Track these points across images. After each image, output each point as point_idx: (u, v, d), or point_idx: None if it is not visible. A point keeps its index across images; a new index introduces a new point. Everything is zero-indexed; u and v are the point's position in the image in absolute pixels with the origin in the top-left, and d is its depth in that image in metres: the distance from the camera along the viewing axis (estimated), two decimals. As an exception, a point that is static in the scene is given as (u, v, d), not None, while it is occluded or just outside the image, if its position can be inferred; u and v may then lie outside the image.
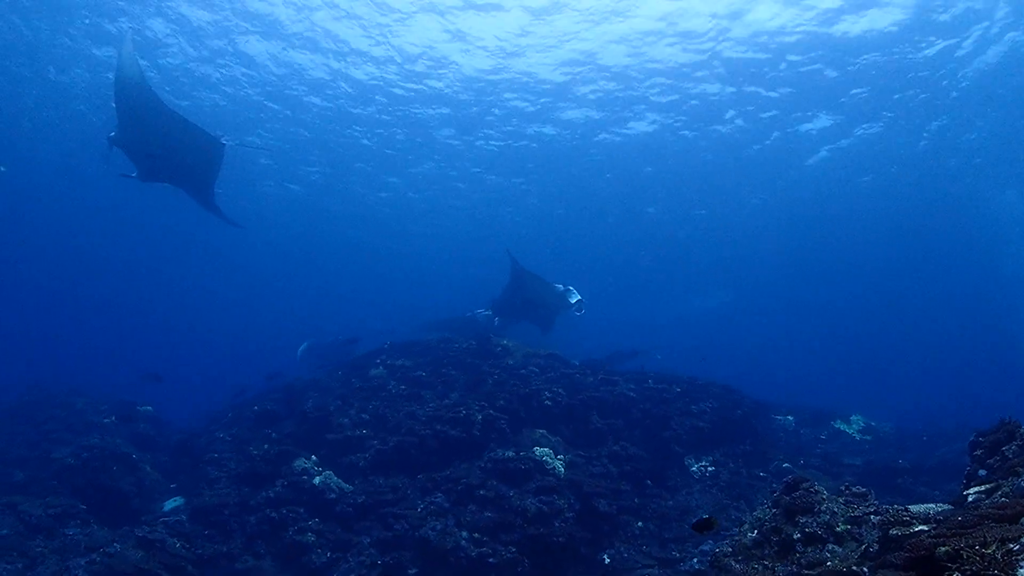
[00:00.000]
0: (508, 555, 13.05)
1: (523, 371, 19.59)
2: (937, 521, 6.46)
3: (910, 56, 26.65)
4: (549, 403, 17.52)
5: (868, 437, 21.23)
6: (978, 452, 8.37)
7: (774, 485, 15.37)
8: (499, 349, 20.95)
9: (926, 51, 26.32)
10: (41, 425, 19.66)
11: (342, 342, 26.04)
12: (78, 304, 79.38)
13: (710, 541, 14.03)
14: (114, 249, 58.54)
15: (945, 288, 62.50)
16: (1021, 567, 4.13)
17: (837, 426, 21.56)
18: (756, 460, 17.52)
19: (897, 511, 6.95)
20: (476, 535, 13.51)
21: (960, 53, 26.39)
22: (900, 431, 22.06)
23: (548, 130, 35.21)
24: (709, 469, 16.92)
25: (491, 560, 13.00)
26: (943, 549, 4.84)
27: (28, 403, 21.24)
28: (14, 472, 17.23)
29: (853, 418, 22.05)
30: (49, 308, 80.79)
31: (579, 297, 22.76)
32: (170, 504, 16.74)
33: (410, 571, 13.37)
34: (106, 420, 20.42)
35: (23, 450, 18.43)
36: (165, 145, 18.32)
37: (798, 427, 21.34)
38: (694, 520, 14.78)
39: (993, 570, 4.18)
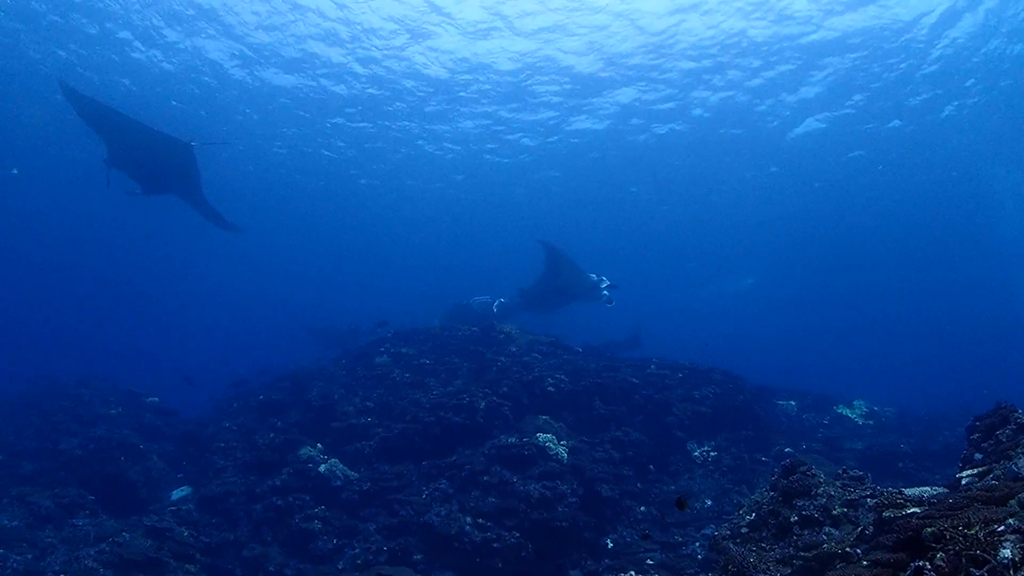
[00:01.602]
0: (512, 540, 13.17)
1: (526, 358, 19.69)
2: (930, 504, 6.56)
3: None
4: (552, 389, 17.63)
5: (871, 422, 21.21)
6: (974, 436, 8.47)
7: (775, 469, 15.54)
8: (502, 336, 21.03)
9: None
10: (49, 416, 19.75)
11: (374, 326, 26.18)
12: (84, 296, 79.54)
13: (712, 525, 14.16)
14: (119, 241, 58.69)
15: (949, 271, 62.38)
16: (1004, 548, 4.22)
17: (840, 411, 21.56)
18: (758, 445, 17.62)
19: (891, 494, 7.07)
20: (480, 520, 13.63)
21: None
22: (903, 416, 22.00)
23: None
24: (711, 454, 17.02)
25: (495, 545, 13.12)
26: (929, 530, 4.95)
27: (36, 395, 21.35)
28: (23, 464, 17.35)
29: (856, 403, 22.05)
30: (55, 300, 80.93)
31: (608, 283, 22.88)
32: (177, 493, 16.88)
33: (415, 557, 13.50)
34: (113, 411, 20.53)
35: (32, 442, 18.54)
36: (145, 154, 19.53)
37: (801, 412, 21.39)
38: (697, 506, 15.11)
39: (975, 550, 4.28)
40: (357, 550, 13.96)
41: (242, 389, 22.66)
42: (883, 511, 6.83)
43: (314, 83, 31.67)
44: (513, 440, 15.46)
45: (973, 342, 79.92)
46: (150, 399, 22.49)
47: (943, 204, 44.36)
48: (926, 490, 7.55)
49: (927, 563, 4.49)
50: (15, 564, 13.19)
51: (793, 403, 21.57)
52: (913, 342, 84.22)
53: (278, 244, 62.33)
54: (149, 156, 19.70)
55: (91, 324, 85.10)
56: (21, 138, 36.73)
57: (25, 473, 16.90)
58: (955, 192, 42.39)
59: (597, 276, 23.13)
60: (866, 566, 5.75)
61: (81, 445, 17.92)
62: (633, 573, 12.70)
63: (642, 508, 15.06)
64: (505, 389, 17.52)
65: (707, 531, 13.98)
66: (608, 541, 14.03)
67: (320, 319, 34.15)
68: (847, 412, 21.53)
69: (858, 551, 6.82)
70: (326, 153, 40.68)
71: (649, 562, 12.96)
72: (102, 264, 66.36)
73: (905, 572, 5.05)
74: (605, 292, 23.09)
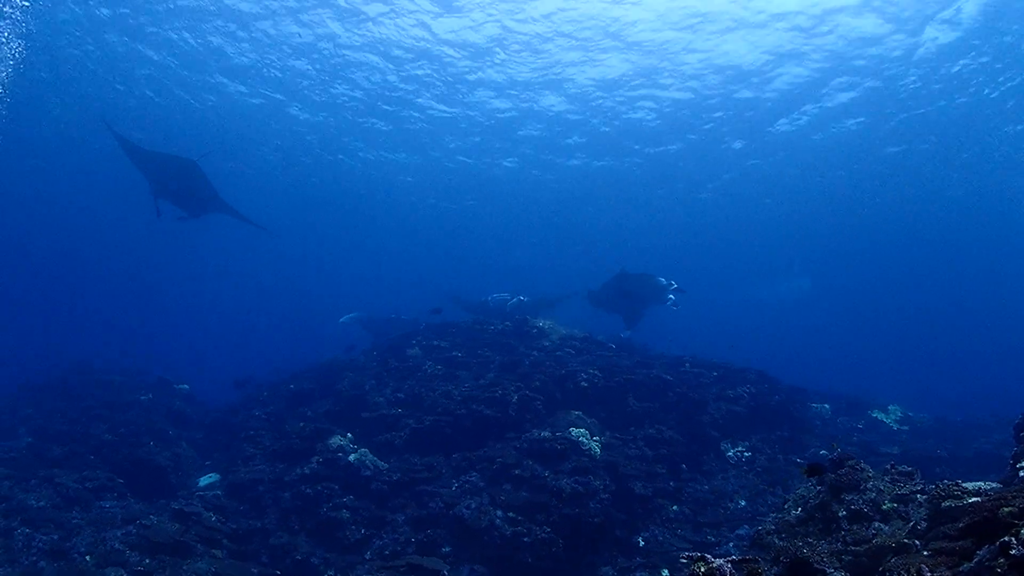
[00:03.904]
0: (543, 535, 12.95)
1: (559, 353, 19.64)
2: (988, 495, 6.33)
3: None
4: (585, 384, 17.44)
5: (905, 427, 20.98)
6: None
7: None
8: (535, 331, 21.00)
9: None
10: (80, 401, 19.85)
11: (429, 313, 26.33)
12: (117, 286, 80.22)
13: (745, 525, 13.94)
14: (153, 234, 59.16)
15: (986, 278, 61.71)
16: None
17: (874, 415, 21.33)
18: (793, 447, 17.36)
19: (948, 485, 6.84)
20: (511, 514, 13.44)
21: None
22: (938, 422, 21.76)
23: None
24: (745, 454, 16.78)
25: (525, 539, 12.91)
26: (1007, 509, 4.74)
27: (68, 380, 21.48)
28: (52, 447, 17.36)
29: (891, 408, 21.81)
30: (90, 289, 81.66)
31: (676, 286, 22.83)
32: (205, 480, 16.82)
33: (444, 549, 13.33)
34: (144, 397, 20.61)
35: (62, 426, 18.56)
36: (170, 179, 20.76)
37: (835, 415, 21.11)
38: (731, 506, 14.86)
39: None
40: (385, 540, 13.81)
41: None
42: (942, 502, 6.60)
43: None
44: (546, 434, 15.31)
45: (1010, 346, 78.74)
46: (180, 386, 22.58)
47: (980, 203, 43.80)
48: (980, 484, 7.31)
49: (1012, 538, 4.27)
50: (41, 544, 13.12)
51: (827, 406, 21.28)
52: (946, 345, 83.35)
53: (307, 242, 62.69)
54: (168, 177, 20.73)
55: (124, 313, 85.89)
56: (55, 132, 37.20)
57: (55, 456, 16.90)
58: (991, 190, 41.76)
59: (666, 280, 23.00)
60: (927, 556, 5.53)
61: (111, 429, 18.01)
62: (667, 572, 12.51)
63: (675, 507, 14.82)
64: (538, 383, 17.35)
65: (741, 531, 13.78)
66: (640, 539, 13.84)
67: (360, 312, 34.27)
68: (882, 416, 21.30)
69: (916, 542, 6.59)
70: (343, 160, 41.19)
71: (683, 561, 12.70)
72: (137, 256, 66.89)
73: (971, 561, 4.85)
74: (671, 296, 23.00)
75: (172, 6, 25.75)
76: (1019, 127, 32.75)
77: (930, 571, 4.55)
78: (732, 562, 5.11)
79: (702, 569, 5.10)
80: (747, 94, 31.82)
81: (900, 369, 68.75)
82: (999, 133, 33.64)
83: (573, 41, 27.85)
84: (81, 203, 51.37)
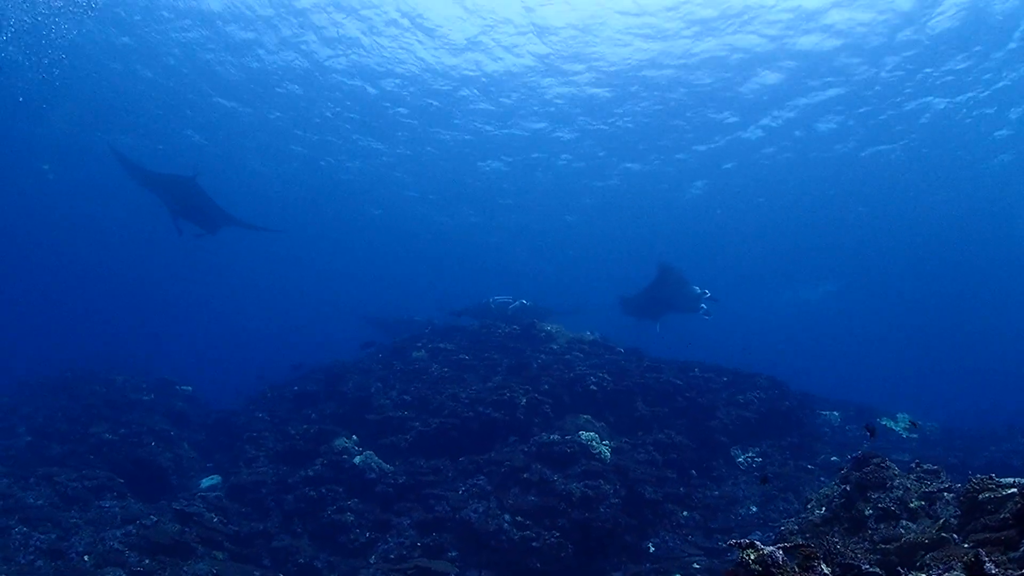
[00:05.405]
0: (552, 540, 12.70)
1: (567, 356, 19.45)
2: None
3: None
4: (594, 388, 17.23)
5: (915, 435, 20.86)
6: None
7: (822, 479, 15.07)
8: (543, 334, 20.85)
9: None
10: (81, 400, 19.63)
11: (449, 315, 26.29)
12: (122, 283, 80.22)
13: (757, 531, 13.73)
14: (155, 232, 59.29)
15: (994, 286, 61.53)
16: None
17: (883, 423, 21.15)
18: (803, 453, 17.19)
19: (983, 479, 6.62)
20: (519, 518, 13.19)
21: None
22: (947, 430, 21.71)
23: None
24: (756, 460, 16.56)
25: (534, 544, 12.66)
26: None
27: (69, 379, 21.26)
28: (52, 445, 17.23)
29: (899, 416, 21.67)
30: (93, 287, 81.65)
31: (710, 295, 22.77)
32: (207, 481, 16.63)
33: (450, 553, 13.10)
34: (145, 397, 20.47)
35: (63, 424, 18.34)
36: (173, 197, 21.41)
37: (844, 423, 20.99)
38: (742, 512, 14.64)
39: None
40: (390, 544, 13.57)
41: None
42: (978, 495, 6.38)
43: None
44: (555, 437, 15.06)
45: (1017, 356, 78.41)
46: (183, 387, 22.45)
47: (996, 214, 43.67)
48: (1012, 479, 7.10)
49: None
50: (38, 543, 12.90)
51: (836, 413, 21.20)
52: (954, 354, 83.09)
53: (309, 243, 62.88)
54: (170, 196, 21.38)
55: (128, 313, 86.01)
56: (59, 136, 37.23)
57: (53, 455, 16.76)
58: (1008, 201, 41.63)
59: (700, 288, 22.95)
60: (968, 548, 5.31)
61: (112, 429, 17.81)
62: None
63: (685, 513, 14.56)
64: (546, 386, 17.15)
65: (752, 537, 13.49)
66: (650, 545, 13.61)
67: (378, 311, 34.36)
68: (891, 424, 21.14)
69: (954, 536, 6.36)
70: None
71: (696, 566, 12.48)
72: (141, 256, 66.88)
73: (1017, 551, 4.63)
74: (703, 305, 22.93)
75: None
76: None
77: (988, 557, 4.32)
78: (783, 548, 4.88)
79: (752, 556, 4.86)
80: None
81: (907, 378, 68.65)
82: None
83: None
84: (85, 204, 51.31)
